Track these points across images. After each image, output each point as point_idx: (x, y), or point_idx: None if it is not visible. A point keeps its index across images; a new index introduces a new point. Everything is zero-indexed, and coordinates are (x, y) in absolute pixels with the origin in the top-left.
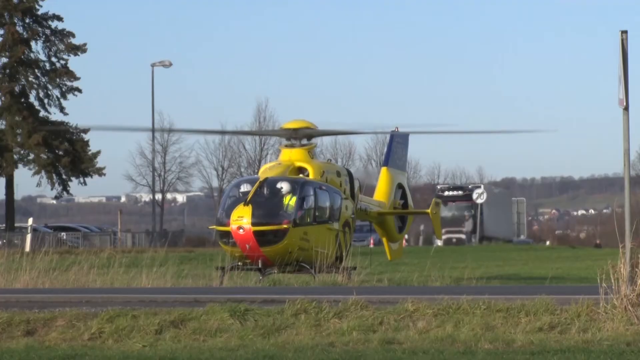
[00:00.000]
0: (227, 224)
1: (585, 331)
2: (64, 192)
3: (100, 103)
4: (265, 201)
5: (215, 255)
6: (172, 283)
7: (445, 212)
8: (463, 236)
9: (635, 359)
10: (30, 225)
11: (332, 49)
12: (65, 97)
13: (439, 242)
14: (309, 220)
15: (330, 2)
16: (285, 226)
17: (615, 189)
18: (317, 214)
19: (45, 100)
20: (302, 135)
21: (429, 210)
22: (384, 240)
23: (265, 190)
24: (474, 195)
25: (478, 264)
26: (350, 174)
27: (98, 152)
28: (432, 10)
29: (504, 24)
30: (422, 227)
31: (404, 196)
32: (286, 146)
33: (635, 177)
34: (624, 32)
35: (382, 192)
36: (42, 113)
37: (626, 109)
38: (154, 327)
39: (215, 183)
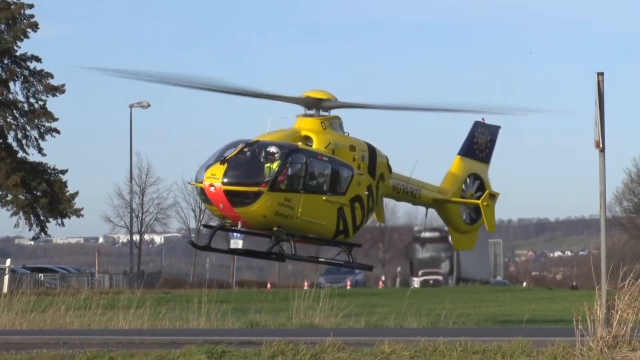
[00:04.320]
0: (202, 181)
1: None
2: (42, 233)
3: (79, 144)
4: (243, 162)
5: (192, 296)
6: (149, 324)
7: (422, 253)
8: (440, 277)
9: None
10: (8, 267)
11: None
12: (43, 138)
13: (416, 284)
14: (295, 187)
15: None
16: (256, 189)
17: (591, 231)
18: (308, 182)
19: (24, 141)
20: (323, 107)
21: (479, 201)
22: (449, 229)
23: (248, 152)
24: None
25: (455, 305)
26: (372, 150)
27: (76, 193)
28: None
29: (477, 59)
30: (399, 269)
31: (482, 188)
32: (304, 115)
33: (611, 219)
34: (600, 74)
35: (448, 179)
36: (21, 154)
37: (602, 150)
38: None
39: (192, 224)
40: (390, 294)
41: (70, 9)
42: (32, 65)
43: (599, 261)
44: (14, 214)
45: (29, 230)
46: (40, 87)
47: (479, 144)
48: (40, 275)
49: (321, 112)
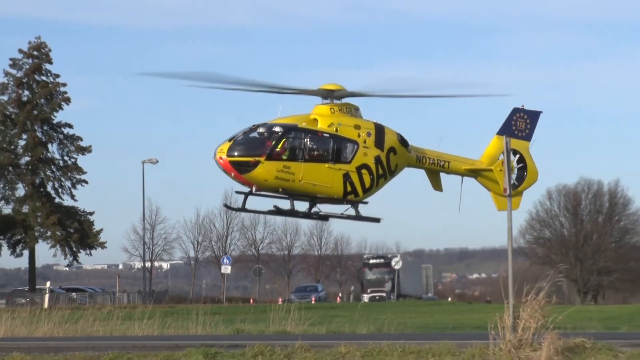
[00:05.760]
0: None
1: None
2: (74, 261)
3: (103, 191)
4: (247, 138)
5: (191, 310)
6: (159, 332)
7: (370, 275)
8: (384, 294)
9: None
10: (48, 287)
11: None
12: (75, 188)
13: (365, 299)
14: (295, 157)
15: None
16: (252, 159)
17: (501, 258)
18: (308, 153)
19: (60, 190)
20: (335, 96)
21: (493, 167)
22: (490, 193)
23: (254, 130)
24: (393, 263)
25: (395, 315)
26: (379, 128)
27: (101, 230)
28: None
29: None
30: (352, 288)
31: (522, 160)
32: (321, 104)
33: (516, 249)
34: (508, 136)
35: (485, 154)
36: (57, 200)
37: (509, 196)
38: None
39: (192, 253)
40: (346, 307)
41: (96, 86)
42: (66, 130)
43: (507, 282)
44: (52, 246)
45: (64, 259)
46: (72, 148)
47: (518, 126)
48: (73, 294)
49: (334, 101)
